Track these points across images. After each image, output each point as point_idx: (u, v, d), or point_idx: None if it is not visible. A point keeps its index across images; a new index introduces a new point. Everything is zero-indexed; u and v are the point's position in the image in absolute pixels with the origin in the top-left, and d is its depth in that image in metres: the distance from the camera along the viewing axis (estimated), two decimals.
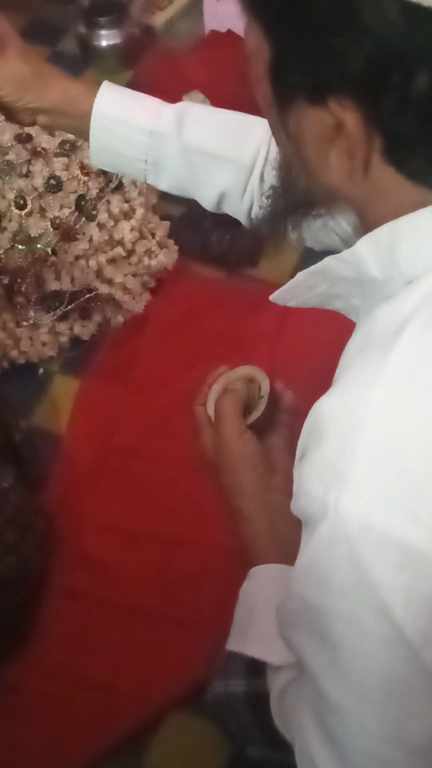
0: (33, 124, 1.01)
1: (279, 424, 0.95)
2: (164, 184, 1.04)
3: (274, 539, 0.84)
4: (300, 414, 0.87)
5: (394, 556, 0.53)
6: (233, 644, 0.86)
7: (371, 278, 0.65)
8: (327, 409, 0.58)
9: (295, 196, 0.72)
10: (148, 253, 1.47)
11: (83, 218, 1.39)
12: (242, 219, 1.04)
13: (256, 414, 0.94)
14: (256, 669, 1.02)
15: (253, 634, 0.82)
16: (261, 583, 0.83)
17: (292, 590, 0.62)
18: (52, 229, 1.37)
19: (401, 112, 0.56)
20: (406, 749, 0.58)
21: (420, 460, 0.53)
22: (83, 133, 1.01)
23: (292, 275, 1.61)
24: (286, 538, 0.83)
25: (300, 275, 0.73)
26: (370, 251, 0.64)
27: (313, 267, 0.71)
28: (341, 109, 0.58)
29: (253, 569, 0.84)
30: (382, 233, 0.63)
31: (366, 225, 0.66)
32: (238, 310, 1.50)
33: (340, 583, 0.56)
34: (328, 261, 0.69)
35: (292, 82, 0.63)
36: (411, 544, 0.53)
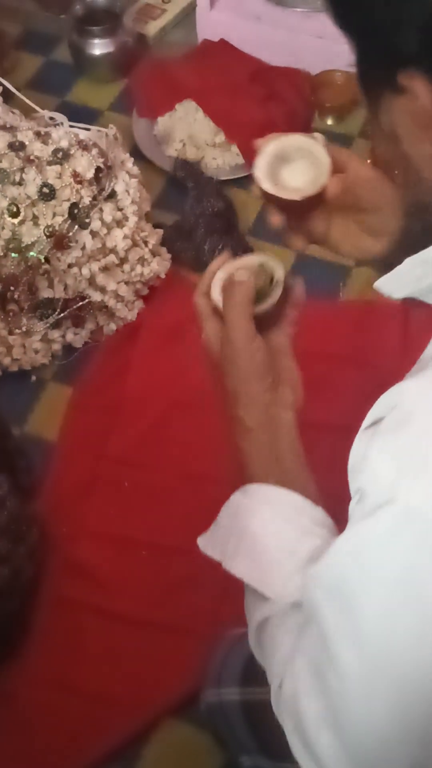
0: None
1: (284, 320, 0.88)
2: None
3: (275, 458, 0.80)
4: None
5: None
6: (210, 549, 0.82)
7: None
8: (415, 392, 0.57)
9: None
10: (141, 261, 1.48)
11: (76, 226, 1.39)
12: None
13: (270, 302, 0.86)
14: (250, 677, 1.02)
15: (245, 556, 0.78)
16: (257, 503, 0.79)
17: (332, 559, 0.61)
18: (45, 237, 1.37)
19: None
20: (403, 727, 0.58)
21: None
22: None
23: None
24: (285, 459, 0.81)
25: (409, 262, 0.72)
26: None
27: (422, 253, 0.70)
28: (413, 83, 0.61)
29: (249, 486, 0.80)
30: None
31: None
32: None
33: (391, 572, 0.55)
34: None
35: (371, 77, 0.66)
36: None
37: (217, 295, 0.86)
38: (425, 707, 0.56)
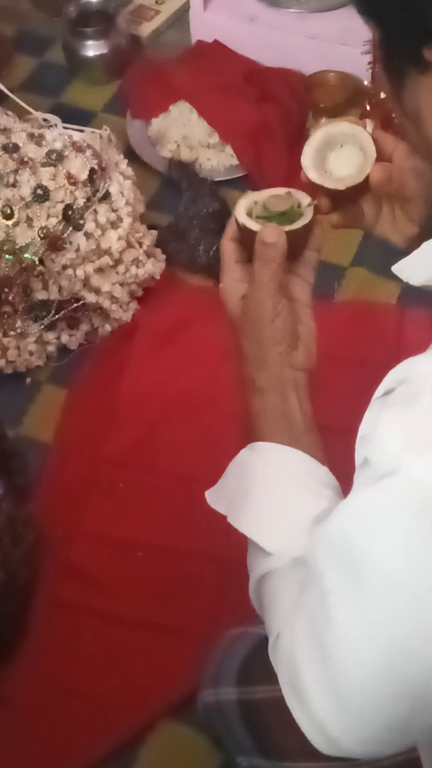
0: None
1: (304, 265, 0.87)
2: None
3: (284, 419, 0.81)
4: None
5: None
6: (217, 503, 0.84)
7: None
8: (425, 369, 0.58)
9: None
10: (136, 262, 1.47)
11: (70, 228, 1.39)
12: None
13: (302, 222, 0.85)
14: (247, 676, 1.02)
15: (249, 512, 0.79)
16: (263, 461, 0.80)
17: (337, 521, 0.62)
18: (39, 239, 1.37)
19: None
20: (396, 690, 0.59)
21: None
22: None
23: None
24: (294, 420, 0.80)
25: (426, 246, 0.71)
26: None
27: None
28: None
29: (257, 443, 0.81)
30: None
31: None
32: (225, 318, 1.50)
33: (394, 539, 0.56)
34: None
35: (396, 56, 0.65)
36: None
37: (244, 218, 0.85)
38: (419, 670, 0.57)
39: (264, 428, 0.81)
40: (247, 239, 0.85)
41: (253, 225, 0.84)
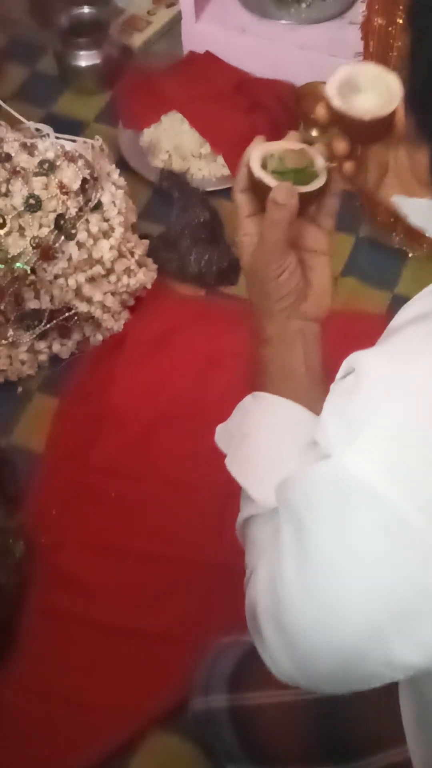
0: None
1: (323, 212, 0.86)
2: None
3: (288, 372, 0.82)
4: None
5: (376, 515, 0.55)
6: (221, 441, 0.86)
7: None
8: (371, 362, 0.59)
9: None
10: (127, 271, 1.48)
11: (62, 237, 1.39)
12: None
13: (317, 184, 0.83)
14: (238, 683, 1.03)
15: (241, 457, 0.82)
16: (262, 410, 0.82)
17: (288, 490, 0.64)
18: (31, 248, 1.37)
19: None
20: (329, 642, 0.63)
21: None
22: None
23: None
24: (297, 373, 0.82)
25: None
26: None
27: None
28: None
29: (259, 393, 0.83)
30: None
31: None
32: (217, 328, 1.51)
33: (323, 517, 0.59)
34: None
35: None
36: (394, 510, 0.55)
37: (259, 171, 0.83)
38: (348, 630, 0.60)
39: (267, 378, 0.83)
40: (259, 192, 0.83)
41: (268, 180, 0.82)
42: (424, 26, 0.59)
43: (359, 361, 0.60)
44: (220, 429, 0.86)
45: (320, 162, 0.84)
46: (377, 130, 0.84)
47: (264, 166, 0.83)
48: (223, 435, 0.86)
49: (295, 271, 0.82)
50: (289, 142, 0.86)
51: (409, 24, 0.61)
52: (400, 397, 0.56)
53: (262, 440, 0.81)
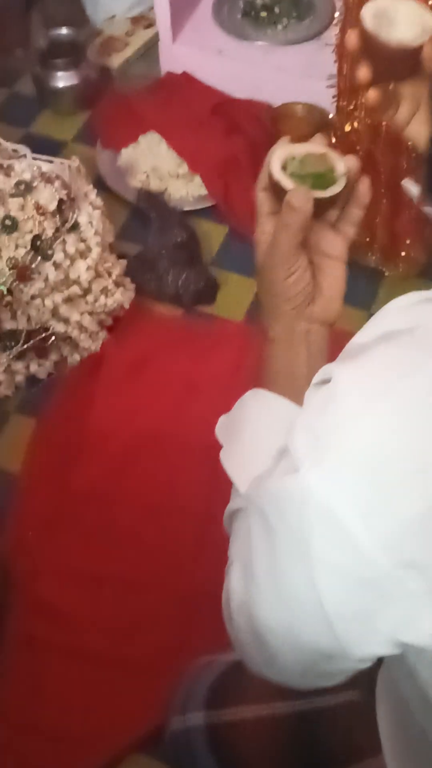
0: None
1: (347, 221, 0.86)
2: None
3: (290, 372, 0.83)
4: None
5: (335, 536, 0.57)
6: (221, 433, 0.86)
7: None
8: (343, 383, 0.59)
9: None
10: (105, 291, 1.48)
11: (39, 258, 1.39)
12: None
13: (335, 190, 0.82)
14: (215, 700, 1.02)
15: (234, 451, 0.83)
16: (259, 407, 0.83)
17: (260, 495, 0.65)
18: (7, 269, 1.37)
19: None
20: (294, 641, 0.65)
21: (399, 477, 0.55)
22: None
23: (248, 313, 1.62)
24: (299, 375, 0.82)
25: None
26: None
27: None
28: None
29: (259, 389, 0.84)
30: None
31: None
32: (195, 348, 1.51)
33: (291, 525, 0.60)
34: None
35: None
36: (353, 535, 0.56)
37: (278, 173, 0.83)
38: (310, 638, 0.62)
39: (269, 376, 0.84)
40: (277, 193, 0.83)
41: (286, 182, 0.82)
42: None
43: (334, 375, 0.60)
44: (221, 420, 0.87)
45: (341, 167, 0.84)
46: (404, 61, 0.83)
47: (284, 167, 0.84)
48: (222, 427, 0.87)
49: (304, 273, 0.82)
50: (314, 145, 0.86)
51: None
52: (368, 424, 0.56)
53: (253, 436, 0.82)
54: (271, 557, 0.63)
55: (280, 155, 0.84)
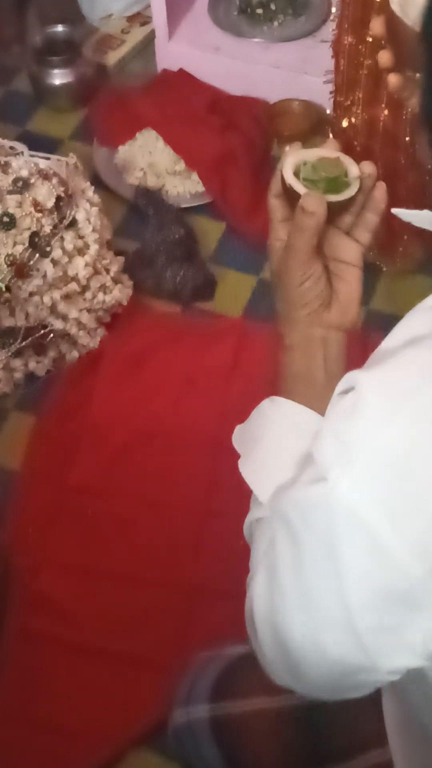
0: None
1: (362, 226, 0.85)
2: None
3: (306, 377, 0.83)
4: None
5: (365, 543, 0.57)
6: (237, 443, 0.86)
7: None
8: (369, 387, 0.59)
9: None
10: (103, 288, 1.48)
11: (37, 255, 1.39)
12: None
13: (347, 194, 0.82)
14: (220, 693, 1.02)
15: (253, 460, 0.82)
16: (277, 415, 0.83)
17: (285, 504, 0.65)
18: (5, 266, 1.37)
19: None
20: (319, 653, 0.63)
21: (425, 481, 0.55)
22: None
23: (246, 309, 1.62)
24: (317, 379, 0.82)
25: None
26: None
27: None
28: None
29: (277, 397, 0.83)
30: None
31: None
32: (193, 344, 1.51)
33: (319, 534, 0.60)
34: None
35: None
36: (383, 542, 0.56)
37: (291, 178, 0.83)
38: (336, 649, 0.61)
39: (288, 385, 0.83)
40: (291, 199, 0.83)
41: (299, 187, 0.82)
42: None
43: (359, 381, 0.60)
44: (238, 430, 0.87)
45: (354, 171, 0.84)
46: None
47: (297, 173, 0.83)
48: (239, 436, 0.86)
49: (319, 279, 0.82)
50: (326, 150, 0.86)
51: (422, 45, 0.61)
52: (396, 429, 0.56)
53: (273, 445, 0.82)
54: (298, 568, 0.62)
55: (292, 161, 0.84)
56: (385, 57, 0.82)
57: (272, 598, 0.66)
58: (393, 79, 0.83)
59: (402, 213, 0.74)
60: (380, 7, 0.80)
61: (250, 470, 0.82)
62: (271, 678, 0.72)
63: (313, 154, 0.85)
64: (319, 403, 0.81)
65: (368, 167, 0.84)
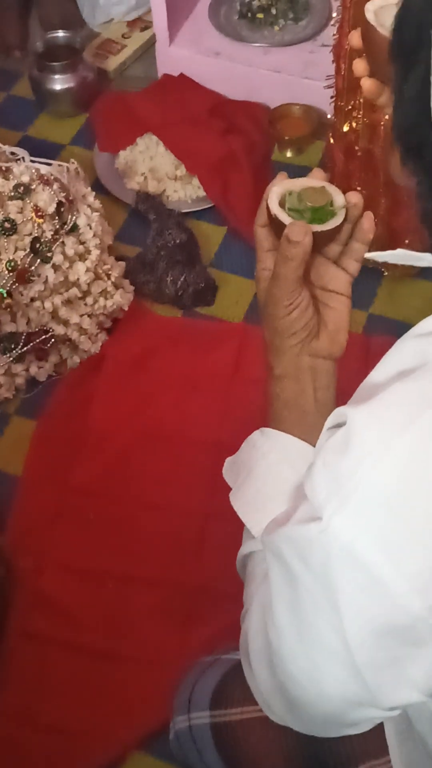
0: None
1: (350, 256, 0.85)
2: None
3: (296, 407, 0.82)
4: None
5: (363, 580, 0.56)
6: (228, 475, 0.85)
7: None
8: (361, 422, 0.59)
9: None
10: (104, 293, 1.48)
11: (38, 260, 1.39)
12: None
13: (333, 224, 0.82)
14: (220, 700, 1.02)
15: (245, 492, 0.81)
16: (268, 446, 0.82)
17: (279, 540, 0.64)
18: (7, 272, 1.37)
19: None
20: (317, 689, 0.63)
21: (426, 515, 0.55)
22: None
23: (247, 314, 1.62)
24: (308, 410, 0.82)
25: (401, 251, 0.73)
26: None
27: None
28: None
29: (267, 429, 0.83)
30: None
31: None
32: (194, 349, 1.51)
33: (315, 572, 0.59)
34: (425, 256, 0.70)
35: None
36: (382, 579, 0.56)
37: (276, 208, 0.83)
38: (335, 685, 0.61)
39: (277, 414, 0.83)
40: (276, 228, 0.83)
41: (284, 217, 0.82)
42: (407, 65, 0.59)
43: (349, 418, 0.59)
44: (228, 462, 0.86)
45: (339, 200, 0.84)
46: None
47: (282, 203, 0.83)
48: (230, 469, 0.86)
49: (306, 308, 0.81)
50: (311, 180, 0.86)
51: (392, 62, 0.61)
52: (390, 465, 0.56)
53: (265, 477, 0.81)
54: (294, 604, 0.62)
55: (277, 190, 0.84)
56: (360, 66, 0.82)
57: (268, 635, 0.66)
58: (367, 83, 0.83)
59: (377, 255, 0.75)
60: (354, 22, 0.80)
61: (241, 503, 0.81)
62: (268, 714, 0.72)
63: (298, 184, 0.85)
64: (309, 431, 0.81)
65: (354, 197, 0.83)
